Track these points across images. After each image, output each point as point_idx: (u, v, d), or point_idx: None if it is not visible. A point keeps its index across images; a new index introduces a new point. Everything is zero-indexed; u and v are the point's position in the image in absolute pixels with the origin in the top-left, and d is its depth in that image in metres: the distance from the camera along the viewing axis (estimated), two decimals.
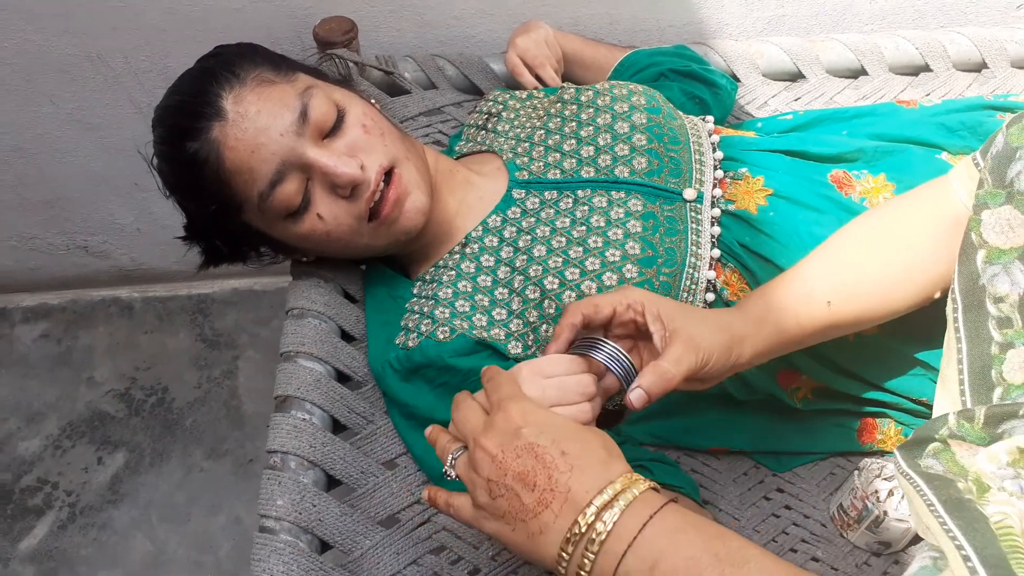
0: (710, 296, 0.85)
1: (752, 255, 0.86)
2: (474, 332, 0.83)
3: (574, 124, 0.95)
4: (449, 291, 0.87)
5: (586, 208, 0.88)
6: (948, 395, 0.69)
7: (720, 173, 0.91)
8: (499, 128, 1.03)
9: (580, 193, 0.89)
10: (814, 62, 1.23)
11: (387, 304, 0.93)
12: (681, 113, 0.99)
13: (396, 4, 1.30)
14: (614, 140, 0.92)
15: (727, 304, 0.86)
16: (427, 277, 0.92)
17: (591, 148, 0.92)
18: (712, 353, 0.68)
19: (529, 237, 0.88)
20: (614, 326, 0.71)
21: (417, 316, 0.87)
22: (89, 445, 1.56)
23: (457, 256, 0.91)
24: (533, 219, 0.90)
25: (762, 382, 0.86)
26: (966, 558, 0.51)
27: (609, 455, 0.57)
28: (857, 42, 1.24)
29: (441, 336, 0.83)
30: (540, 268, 0.85)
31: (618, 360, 0.68)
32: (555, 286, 0.83)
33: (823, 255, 0.77)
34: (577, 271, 0.83)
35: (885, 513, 0.80)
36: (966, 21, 1.43)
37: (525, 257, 0.87)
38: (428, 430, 0.67)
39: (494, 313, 0.85)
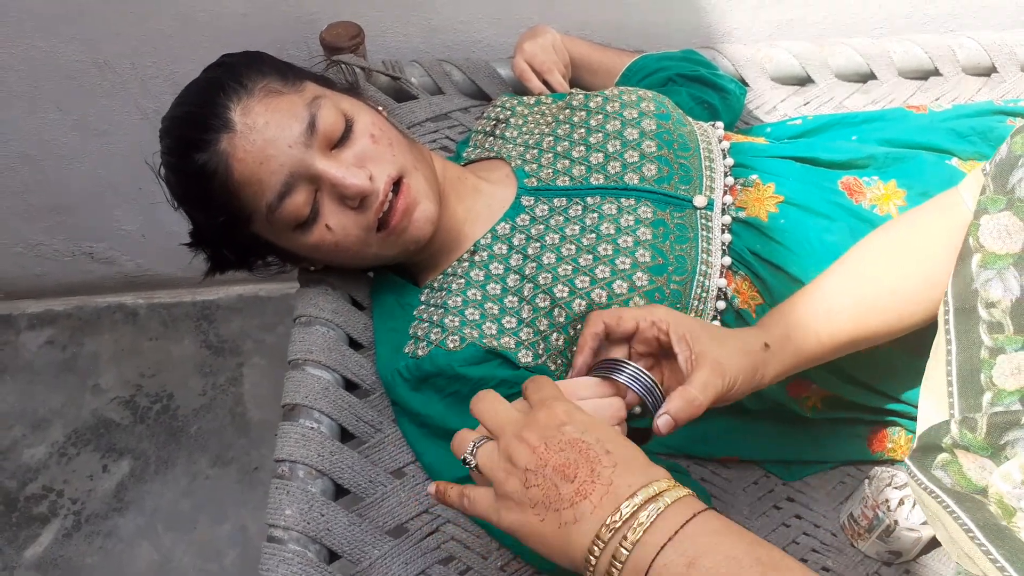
0: (721, 304, 0.85)
1: (763, 262, 0.85)
2: (484, 341, 0.83)
3: (583, 130, 0.95)
4: (459, 299, 0.87)
5: (596, 215, 0.87)
6: (934, 396, 0.69)
7: (730, 180, 0.91)
8: (507, 134, 1.02)
9: (590, 200, 0.89)
10: (823, 66, 1.23)
11: (395, 311, 0.93)
12: (691, 119, 0.98)
13: (403, 9, 1.30)
14: (623, 147, 0.91)
15: (738, 312, 0.85)
16: (435, 285, 0.92)
17: (600, 155, 0.92)
18: (738, 378, 0.68)
19: (538, 244, 0.88)
20: (636, 342, 0.71)
21: (426, 324, 0.87)
22: (94, 452, 1.56)
23: (466, 264, 0.90)
24: (542, 226, 0.89)
25: (772, 392, 0.85)
26: None
27: (649, 462, 0.57)
28: (866, 46, 1.24)
29: (451, 345, 0.83)
30: (550, 276, 0.84)
31: (641, 381, 0.67)
32: (565, 294, 0.83)
33: (842, 270, 0.77)
34: (587, 279, 0.83)
35: (896, 522, 0.80)
36: (975, 25, 1.43)
37: (534, 265, 0.86)
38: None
39: (504, 321, 0.84)
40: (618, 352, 0.73)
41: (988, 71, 1.24)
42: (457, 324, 0.84)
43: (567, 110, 0.99)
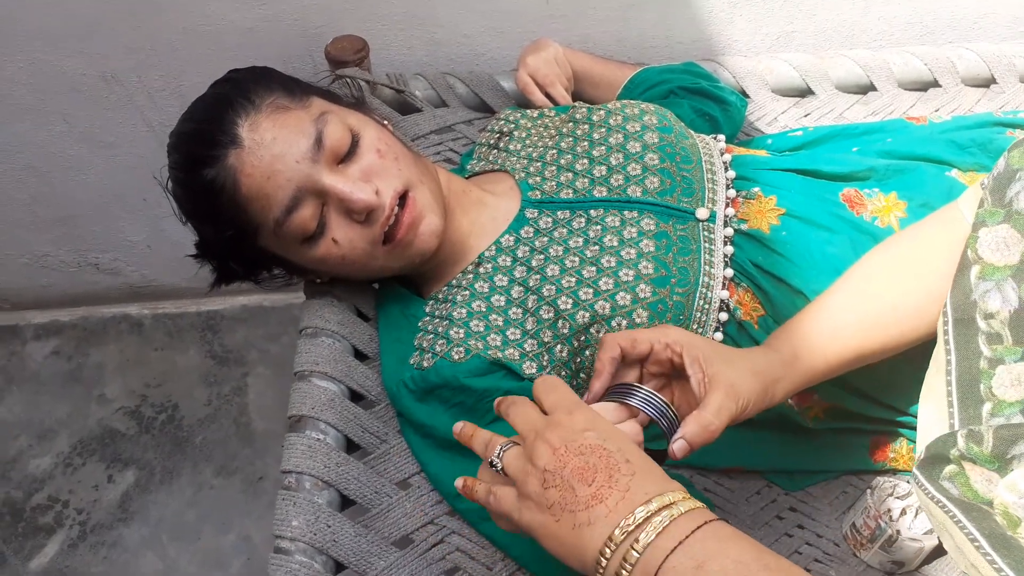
0: (723, 316, 0.85)
1: (765, 275, 0.86)
2: (489, 352, 0.83)
3: (586, 143, 0.95)
4: (463, 311, 0.87)
5: (599, 228, 0.88)
6: (934, 406, 0.70)
7: (732, 192, 0.91)
8: (511, 147, 1.03)
9: (593, 213, 0.90)
10: (823, 78, 1.24)
11: (400, 323, 0.93)
12: (693, 132, 0.99)
13: (406, 22, 1.31)
14: (626, 159, 0.92)
15: (740, 324, 0.86)
16: (440, 296, 0.92)
17: (603, 168, 0.92)
18: (750, 399, 0.69)
19: (542, 257, 0.88)
20: (649, 363, 0.72)
21: (431, 336, 0.87)
22: (99, 463, 1.56)
23: (471, 276, 0.91)
24: (546, 239, 0.90)
25: None
26: None
27: (666, 476, 0.57)
28: (866, 58, 1.25)
29: (456, 356, 0.84)
30: (553, 288, 0.85)
31: (653, 404, 0.68)
32: (568, 306, 0.83)
33: (845, 287, 0.78)
34: (591, 291, 0.84)
35: (898, 532, 0.80)
36: (974, 37, 1.44)
37: (538, 277, 0.87)
38: (459, 425, 0.67)
39: (508, 333, 0.85)
40: (631, 374, 0.73)
41: (987, 82, 1.25)
42: (462, 336, 0.85)
43: (570, 123, 1.00)
